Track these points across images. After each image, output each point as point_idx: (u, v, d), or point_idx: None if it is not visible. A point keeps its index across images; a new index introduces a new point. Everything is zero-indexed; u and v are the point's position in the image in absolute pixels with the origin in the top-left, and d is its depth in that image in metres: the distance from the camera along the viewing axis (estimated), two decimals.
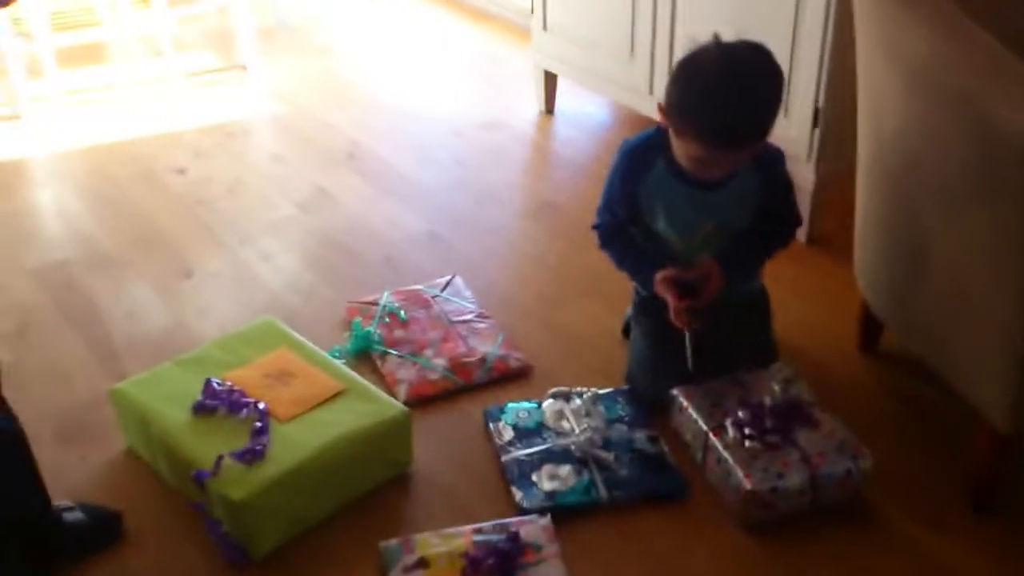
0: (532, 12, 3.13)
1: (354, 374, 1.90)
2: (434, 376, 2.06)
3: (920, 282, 1.74)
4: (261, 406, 1.76)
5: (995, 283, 1.55)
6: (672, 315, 1.87)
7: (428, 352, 2.12)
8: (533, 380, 2.08)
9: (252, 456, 1.67)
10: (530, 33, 3.20)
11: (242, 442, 1.70)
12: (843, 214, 2.50)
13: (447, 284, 2.35)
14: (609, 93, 3.02)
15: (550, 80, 3.23)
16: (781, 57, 2.33)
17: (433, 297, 2.30)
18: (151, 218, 2.71)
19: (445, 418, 1.99)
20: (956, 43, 1.55)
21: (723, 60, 1.69)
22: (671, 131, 1.78)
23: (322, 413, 1.78)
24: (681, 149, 1.78)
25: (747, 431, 1.75)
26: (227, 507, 1.62)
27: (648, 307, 2.01)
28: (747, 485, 1.66)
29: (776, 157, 1.90)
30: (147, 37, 3.74)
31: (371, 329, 2.17)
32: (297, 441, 1.71)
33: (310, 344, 1.97)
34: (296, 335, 2.00)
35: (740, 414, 1.79)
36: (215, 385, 1.82)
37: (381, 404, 1.82)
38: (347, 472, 1.74)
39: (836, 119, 2.38)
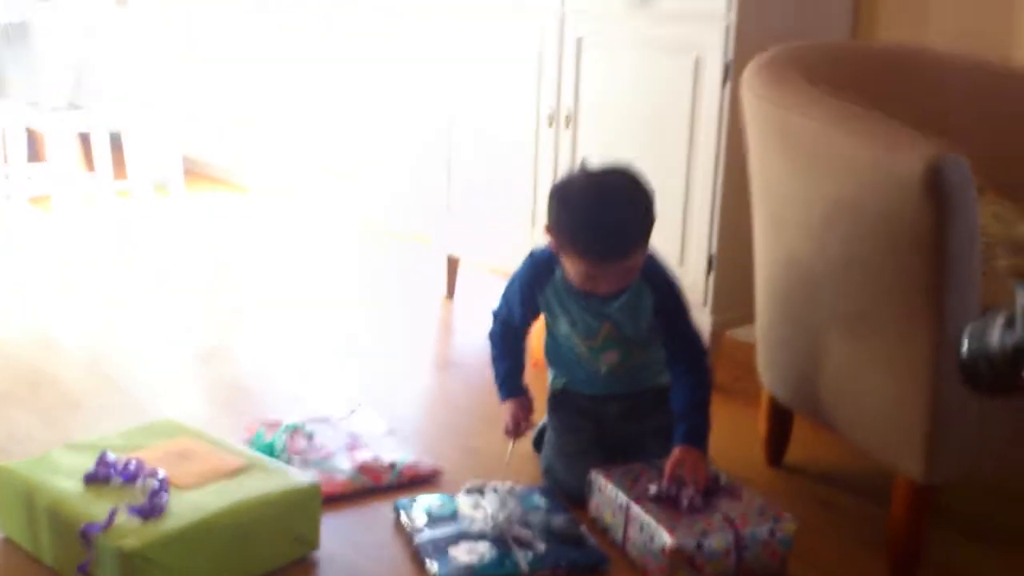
0: (436, 197, 3.28)
1: (260, 455, 1.81)
2: (341, 477, 1.98)
3: (825, 355, 1.80)
4: (160, 474, 1.66)
5: (903, 335, 1.62)
6: (507, 427, 2.03)
7: (335, 460, 2.04)
8: (444, 486, 2.01)
9: (151, 511, 1.55)
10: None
11: (139, 503, 1.58)
12: (738, 367, 2.60)
13: (355, 410, 2.29)
14: (511, 265, 3.11)
15: (452, 265, 3.33)
16: (675, 209, 2.53)
17: (340, 419, 2.24)
18: (37, 361, 2.61)
19: (353, 513, 1.90)
20: (845, 114, 1.70)
21: (590, 181, 1.85)
22: (559, 252, 1.89)
23: (226, 482, 1.68)
24: (569, 267, 1.89)
25: (668, 497, 1.72)
26: (118, 562, 1.49)
27: (563, 399, 2.06)
28: (672, 541, 1.61)
29: (668, 279, 1.97)
30: None
31: (274, 440, 2.08)
32: (200, 502, 1.61)
33: (214, 436, 1.89)
34: (199, 430, 1.91)
35: (661, 485, 1.76)
36: (109, 457, 1.71)
37: (289, 477, 1.73)
38: (252, 540, 1.63)
39: (730, 268, 2.52)
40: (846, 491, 2.06)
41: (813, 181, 1.76)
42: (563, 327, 2.00)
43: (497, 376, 2.09)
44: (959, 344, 1.16)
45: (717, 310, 2.54)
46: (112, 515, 1.53)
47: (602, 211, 1.79)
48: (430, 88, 3.38)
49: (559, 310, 1.98)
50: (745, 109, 1.96)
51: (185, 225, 4.15)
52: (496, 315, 2.11)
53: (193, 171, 4.96)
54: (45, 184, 4.13)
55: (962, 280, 1.55)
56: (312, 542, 1.72)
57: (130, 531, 1.51)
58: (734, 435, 2.26)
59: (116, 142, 4.24)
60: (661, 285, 1.94)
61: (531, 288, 2.00)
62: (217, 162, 5.05)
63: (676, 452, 1.80)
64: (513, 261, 3.05)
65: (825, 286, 1.78)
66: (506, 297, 2.07)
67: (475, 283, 3.47)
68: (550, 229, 1.89)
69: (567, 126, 2.78)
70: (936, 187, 1.49)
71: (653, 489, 1.75)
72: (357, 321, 3.08)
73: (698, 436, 1.85)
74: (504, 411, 2.05)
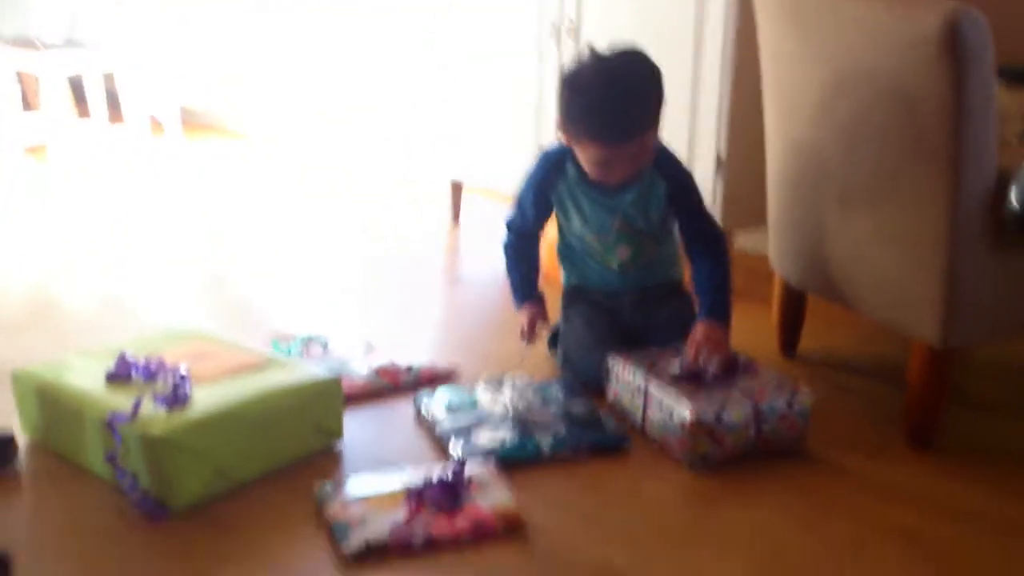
0: (438, 122, 3.27)
1: (278, 354, 1.82)
2: (359, 380, 1.99)
3: (837, 234, 1.81)
4: (182, 369, 1.67)
5: (919, 201, 1.62)
6: (522, 330, 2.03)
7: (351, 365, 2.05)
8: (462, 384, 2.02)
9: (175, 401, 1.56)
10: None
11: (163, 394, 1.59)
12: (749, 274, 2.62)
13: (367, 324, 2.30)
14: (515, 187, 3.12)
15: (456, 191, 3.33)
16: (682, 109, 2.52)
17: (354, 332, 2.25)
18: (49, 292, 2.61)
19: (374, 410, 1.92)
20: None
21: (599, 66, 1.85)
22: (571, 142, 1.90)
23: (247, 376, 1.69)
24: (583, 157, 1.90)
25: (689, 376, 1.74)
26: (145, 448, 1.50)
27: (577, 296, 2.08)
28: (692, 413, 1.63)
29: (679, 167, 2.00)
30: None
31: (290, 348, 2.09)
32: (223, 393, 1.62)
33: (229, 339, 1.89)
34: (213, 334, 1.91)
35: (680, 363, 1.77)
36: (129, 357, 1.71)
37: (310, 371, 1.74)
38: (276, 428, 1.64)
39: (738, 168, 2.51)
40: (860, 376, 2.08)
41: (826, 54, 1.75)
42: (576, 224, 2.01)
43: (512, 283, 2.10)
44: (1007, 204, 1.16)
45: (726, 211, 2.53)
46: (138, 404, 1.54)
47: (612, 92, 1.80)
48: (427, 7, 3.35)
49: (572, 207, 1.99)
50: None
51: (184, 166, 4.14)
52: (509, 224, 2.12)
53: (188, 121, 4.94)
54: (40, 132, 4.11)
55: (979, 139, 1.55)
56: (336, 433, 1.74)
57: (156, 419, 1.52)
58: (747, 333, 2.26)
59: (110, 94, 4.22)
60: (672, 174, 1.95)
61: (543, 187, 2.01)
62: (212, 110, 5.03)
63: (699, 328, 1.82)
64: (515, 183, 3.07)
65: (838, 161, 1.78)
66: (519, 200, 2.08)
67: (480, 211, 3.47)
68: (561, 120, 1.89)
69: (571, 36, 2.76)
70: (954, 44, 1.49)
71: (675, 369, 1.76)
72: (364, 249, 3.08)
73: (720, 311, 1.87)
74: (520, 316, 2.06)
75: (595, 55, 1.86)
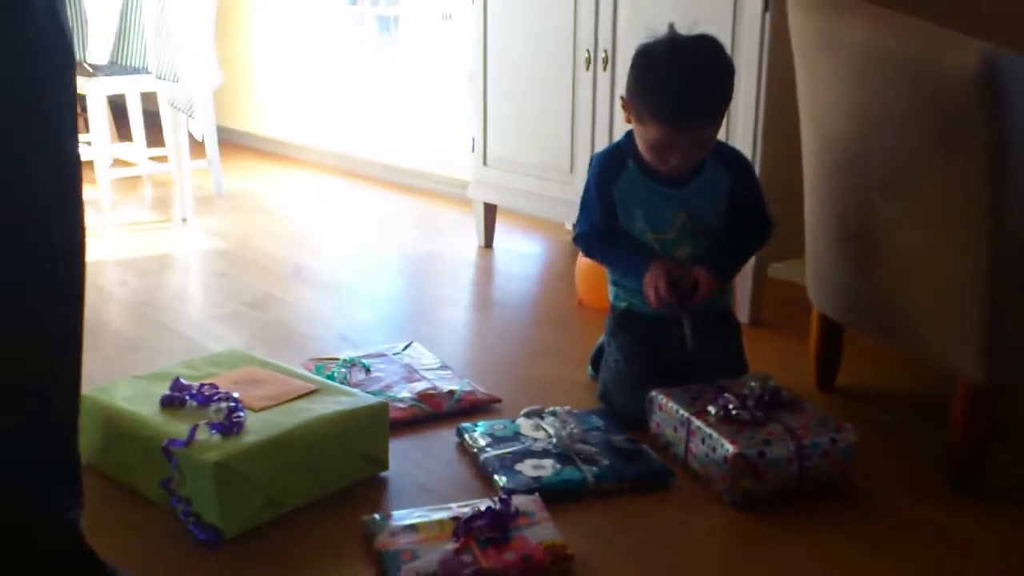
0: (473, 151, 3.31)
1: (326, 380, 1.85)
2: (402, 405, 2.01)
3: (877, 266, 1.83)
4: (235, 394, 1.70)
5: (961, 236, 1.64)
6: (667, 296, 1.90)
7: (394, 390, 2.08)
8: (503, 412, 2.05)
9: (230, 428, 1.59)
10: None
11: (217, 421, 1.62)
12: (785, 304, 2.63)
13: (407, 346, 2.34)
14: (549, 212, 3.15)
15: (489, 213, 3.36)
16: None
17: (395, 354, 2.28)
18: (96, 314, 2.65)
19: (417, 439, 1.94)
20: (893, 23, 1.72)
21: (673, 45, 1.87)
22: (633, 120, 1.92)
23: (298, 403, 1.72)
24: (642, 138, 1.91)
25: (731, 407, 1.75)
26: (201, 473, 1.53)
27: (624, 321, 2.06)
28: (735, 449, 1.65)
29: (744, 162, 2.04)
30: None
31: (333, 373, 2.13)
32: (274, 420, 1.65)
33: (279, 363, 1.93)
34: (263, 359, 1.95)
35: (723, 398, 1.79)
36: (183, 381, 1.75)
37: (358, 397, 1.77)
38: (326, 456, 1.66)
39: (772, 199, 2.51)
40: (901, 412, 2.08)
41: (863, 92, 1.77)
42: (636, 222, 2.00)
43: (621, 260, 2.02)
44: None
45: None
46: (193, 431, 1.57)
47: (682, 72, 1.83)
48: (462, 34, 3.40)
49: (633, 201, 1.99)
50: (792, 28, 1.97)
51: (222, 187, 4.20)
52: (580, 235, 2.10)
53: (227, 142, 5.01)
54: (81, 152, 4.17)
55: (1019, 176, 1.56)
56: (382, 462, 1.76)
57: (212, 445, 1.55)
58: (784, 365, 2.28)
59: (150, 118, 4.29)
60: (737, 167, 2.00)
61: (605, 183, 2.01)
62: (252, 132, 5.10)
63: (702, 273, 1.91)
64: (552, 210, 3.11)
65: (879, 198, 1.80)
66: (584, 208, 2.08)
67: (511, 236, 3.51)
68: (627, 96, 1.92)
69: (605, 68, 2.79)
70: (994, 85, 1.51)
71: (712, 410, 1.77)
72: (399, 271, 3.12)
73: (727, 273, 1.99)
74: (655, 279, 1.91)
75: (673, 33, 1.88)
